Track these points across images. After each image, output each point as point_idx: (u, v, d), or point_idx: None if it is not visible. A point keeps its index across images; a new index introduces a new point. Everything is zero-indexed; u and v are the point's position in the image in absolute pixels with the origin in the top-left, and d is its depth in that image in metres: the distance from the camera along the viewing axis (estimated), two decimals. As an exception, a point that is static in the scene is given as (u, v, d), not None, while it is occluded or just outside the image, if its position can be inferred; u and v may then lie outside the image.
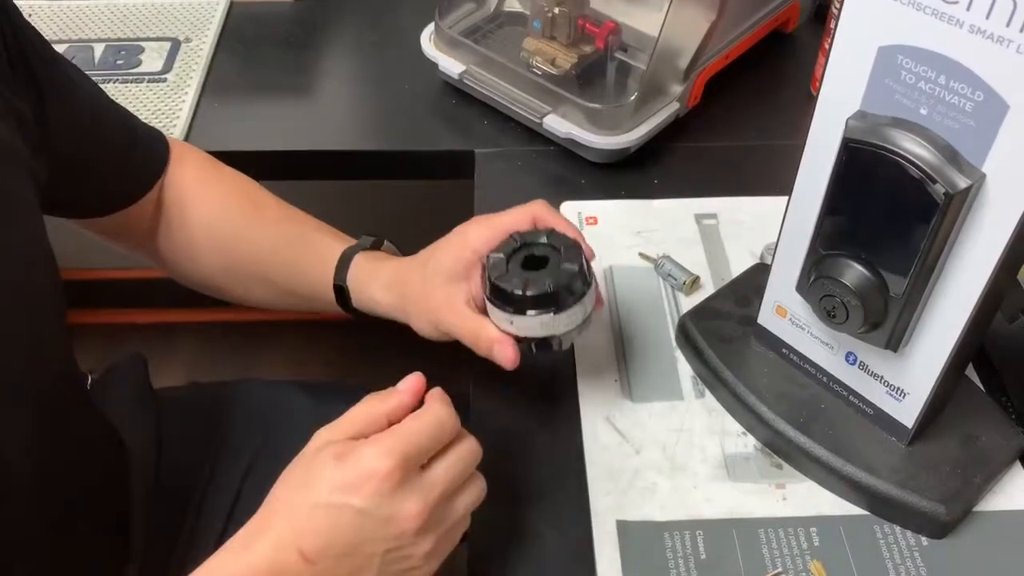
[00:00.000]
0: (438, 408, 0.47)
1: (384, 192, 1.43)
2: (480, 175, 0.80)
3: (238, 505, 0.74)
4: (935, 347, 0.51)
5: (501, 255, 0.54)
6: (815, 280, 0.52)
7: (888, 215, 0.47)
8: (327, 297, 0.67)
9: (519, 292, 0.52)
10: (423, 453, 0.46)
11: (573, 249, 0.54)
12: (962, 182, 0.44)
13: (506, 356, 0.54)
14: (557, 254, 0.54)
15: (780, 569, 0.54)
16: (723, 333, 0.64)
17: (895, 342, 0.51)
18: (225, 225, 0.69)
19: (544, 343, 0.54)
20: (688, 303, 0.68)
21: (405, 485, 0.45)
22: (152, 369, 0.80)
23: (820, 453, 0.57)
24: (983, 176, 0.44)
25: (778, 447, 0.59)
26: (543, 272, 0.53)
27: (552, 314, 0.53)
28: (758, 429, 0.60)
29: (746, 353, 0.63)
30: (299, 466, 0.47)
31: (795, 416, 0.58)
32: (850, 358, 0.56)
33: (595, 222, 0.75)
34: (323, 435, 0.47)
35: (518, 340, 0.54)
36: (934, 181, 0.44)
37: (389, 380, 0.50)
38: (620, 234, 0.74)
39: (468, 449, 0.48)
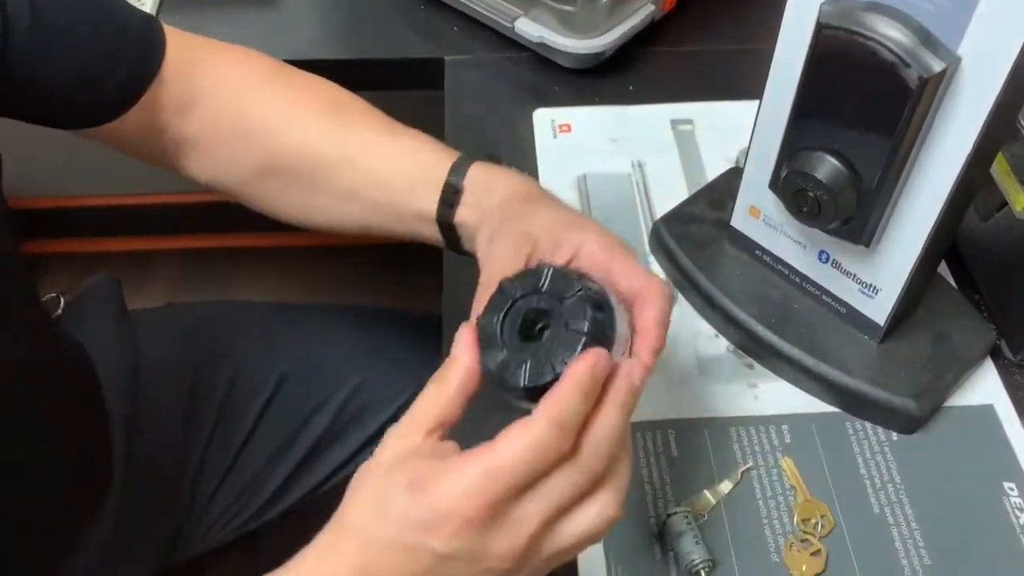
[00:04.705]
0: (543, 428, 0.36)
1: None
2: (450, 84, 0.77)
3: (217, 429, 0.75)
4: (907, 242, 0.51)
5: (494, 324, 0.41)
6: (787, 175, 0.51)
7: (861, 105, 0.46)
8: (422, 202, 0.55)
9: (519, 385, 0.40)
10: (518, 488, 0.37)
11: (579, 303, 0.39)
12: (937, 65, 0.42)
13: None
14: (560, 307, 0.40)
15: (751, 464, 0.54)
16: (697, 237, 0.63)
17: (867, 237, 0.51)
18: (299, 127, 0.60)
19: None
20: (662, 208, 0.67)
21: (494, 524, 0.37)
22: (128, 296, 0.79)
23: (792, 352, 0.57)
24: (958, 59, 0.43)
25: (750, 348, 0.59)
26: (542, 347, 0.40)
27: None
28: (731, 331, 0.60)
29: (719, 257, 0.62)
30: (370, 483, 0.39)
31: (767, 317, 0.58)
32: (823, 256, 0.56)
33: (569, 129, 0.74)
34: (392, 442, 0.39)
35: None
36: (908, 65, 0.43)
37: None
38: (594, 141, 0.73)
39: (582, 469, 0.37)
